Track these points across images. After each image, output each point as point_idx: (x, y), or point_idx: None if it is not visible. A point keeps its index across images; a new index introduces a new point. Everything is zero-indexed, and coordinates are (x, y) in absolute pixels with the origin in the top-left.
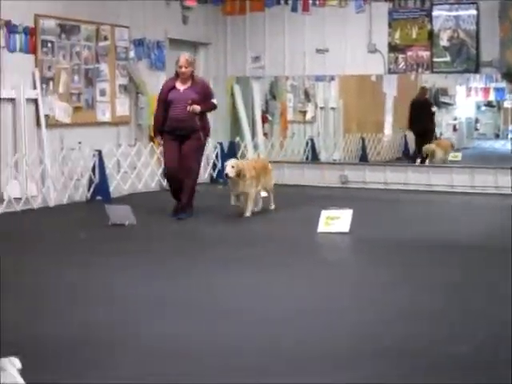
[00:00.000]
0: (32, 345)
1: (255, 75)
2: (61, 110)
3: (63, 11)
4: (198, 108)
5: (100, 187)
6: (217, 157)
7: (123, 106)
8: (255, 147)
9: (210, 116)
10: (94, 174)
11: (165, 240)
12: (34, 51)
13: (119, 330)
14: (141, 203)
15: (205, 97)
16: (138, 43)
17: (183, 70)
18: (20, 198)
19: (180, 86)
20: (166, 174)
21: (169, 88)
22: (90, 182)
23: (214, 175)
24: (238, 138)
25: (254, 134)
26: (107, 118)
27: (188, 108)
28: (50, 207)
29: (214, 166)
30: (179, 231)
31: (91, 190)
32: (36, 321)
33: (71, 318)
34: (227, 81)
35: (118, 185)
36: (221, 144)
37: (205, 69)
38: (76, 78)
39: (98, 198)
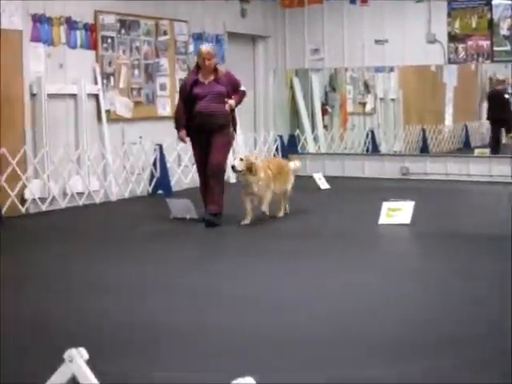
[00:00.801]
0: (98, 336)
1: (314, 67)
2: (122, 105)
3: (122, 7)
4: (234, 103)
5: (161, 181)
6: (277, 150)
7: None
8: (315, 140)
9: (269, 108)
10: (155, 168)
11: (226, 234)
12: (94, 47)
13: (184, 319)
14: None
15: (233, 87)
16: (197, 37)
17: (207, 62)
18: (82, 193)
19: (204, 80)
20: (199, 175)
21: (192, 82)
22: (152, 176)
23: None
24: (297, 131)
25: (313, 127)
26: (167, 112)
27: (227, 105)
28: (112, 201)
29: None
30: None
31: (152, 184)
32: (102, 312)
33: (138, 309)
34: (286, 73)
35: (179, 179)
36: (281, 137)
37: (264, 62)
38: (136, 72)
39: (160, 192)
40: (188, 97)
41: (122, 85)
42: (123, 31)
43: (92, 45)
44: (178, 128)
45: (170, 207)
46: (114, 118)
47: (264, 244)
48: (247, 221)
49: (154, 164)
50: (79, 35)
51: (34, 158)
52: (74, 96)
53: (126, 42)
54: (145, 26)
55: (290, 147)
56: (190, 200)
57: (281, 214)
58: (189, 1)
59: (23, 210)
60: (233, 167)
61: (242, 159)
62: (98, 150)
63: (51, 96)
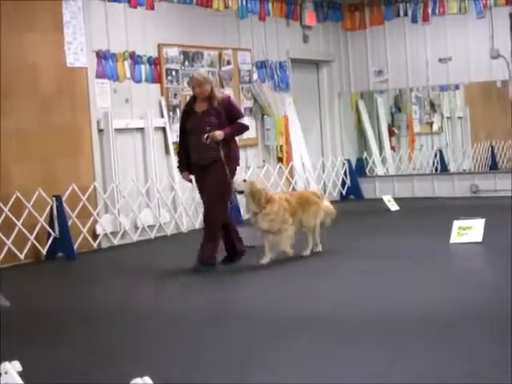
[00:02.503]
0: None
1: (379, 89)
2: None
3: (185, 39)
4: (219, 136)
5: (231, 209)
6: (345, 174)
7: (250, 129)
8: (383, 162)
9: (336, 133)
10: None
11: (299, 260)
12: (159, 80)
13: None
14: None
15: (228, 118)
16: (261, 65)
17: (197, 90)
18: (153, 225)
19: (198, 108)
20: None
21: (187, 112)
22: None
23: (344, 193)
24: (365, 154)
25: (381, 149)
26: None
27: (204, 137)
28: (183, 233)
29: (344, 183)
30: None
31: None
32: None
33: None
34: (351, 97)
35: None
36: (348, 161)
37: (328, 86)
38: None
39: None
40: (184, 129)
41: None
42: (187, 63)
43: (157, 78)
44: (179, 168)
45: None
46: None
47: (340, 265)
48: (265, 260)
49: None
50: (144, 69)
51: (104, 193)
52: (141, 130)
53: (190, 73)
54: (208, 57)
55: (357, 171)
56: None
57: (307, 252)
58: (251, 29)
59: (95, 245)
60: (233, 186)
61: (245, 180)
62: (166, 182)
63: (118, 131)
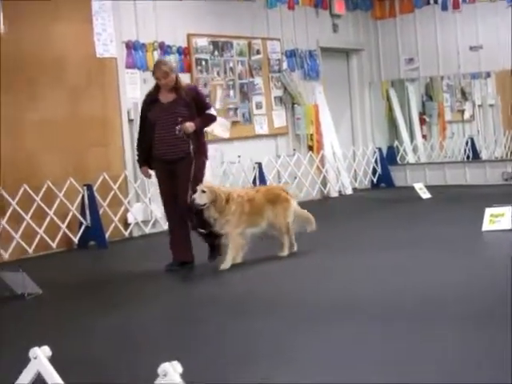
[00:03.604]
0: None
1: (410, 77)
2: (219, 126)
3: (215, 29)
4: (191, 127)
5: None
6: (376, 162)
7: (280, 118)
8: (414, 150)
9: (367, 121)
10: (254, 185)
11: (328, 244)
12: (188, 70)
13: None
14: None
15: (197, 108)
16: (290, 54)
17: (162, 82)
18: None
19: (164, 99)
20: (167, 215)
21: (150, 102)
22: None
23: (375, 181)
24: (396, 142)
25: (412, 137)
26: (265, 130)
27: (177, 129)
28: None
29: (374, 171)
30: (344, 236)
31: None
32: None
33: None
34: (382, 85)
35: (295, 192)
36: (379, 149)
37: (358, 75)
38: (232, 93)
39: None
40: (145, 121)
41: (218, 105)
42: (216, 53)
43: (186, 68)
44: (139, 162)
45: None
46: (211, 139)
47: (373, 255)
48: (225, 265)
49: (254, 182)
50: (173, 59)
51: (135, 182)
52: None
53: (220, 63)
54: (238, 47)
55: (389, 159)
56: None
57: (284, 252)
58: (280, 19)
59: (126, 233)
60: (192, 201)
61: (204, 191)
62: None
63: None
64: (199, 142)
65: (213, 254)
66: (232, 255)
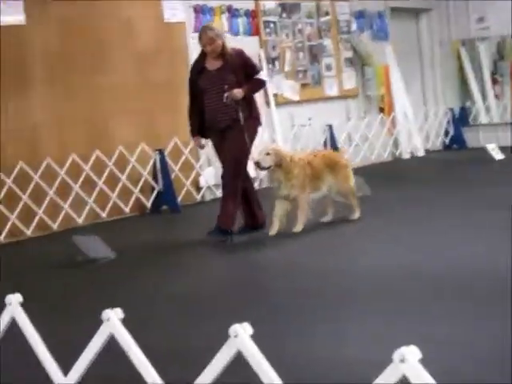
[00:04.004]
0: None
1: (481, 36)
2: (288, 88)
3: None
4: (239, 93)
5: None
6: (448, 123)
7: (350, 79)
8: (487, 110)
9: (438, 82)
10: (325, 148)
11: (396, 207)
12: (257, 33)
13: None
14: (374, 174)
15: (246, 74)
16: (359, 15)
17: (208, 48)
18: (255, 178)
19: (211, 66)
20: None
21: (197, 71)
22: None
23: (447, 142)
24: (468, 103)
25: (484, 97)
26: (335, 92)
27: (225, 96)
28: None
29: (447, 132)
30: (412, 198)
31: None
32: None
33: None
34: (452, 44)
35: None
36: (451, 110)
37: (428, 35)
38: (301, 55)
39: None
40: (195, 90)
41: (287, 68)
42: (284, 15)
43: (254, 31)
44: (191, 132)
45: None
46: (281, 102)
47: (442, 216)
48: (273, 231)
49: (325, 144)
50: (241, 22)
51: (206, 147)
52: None
53: (289, 25)
54: (306, 8)
55: (461, 120)
56: (363, 177)
57: (356, 215)
58: None
59: (198, 197)
60: (257, 164)
61: (268, 153)
62: (267, 134)
63: None
64: (250, 107)
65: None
66: (303, 218)
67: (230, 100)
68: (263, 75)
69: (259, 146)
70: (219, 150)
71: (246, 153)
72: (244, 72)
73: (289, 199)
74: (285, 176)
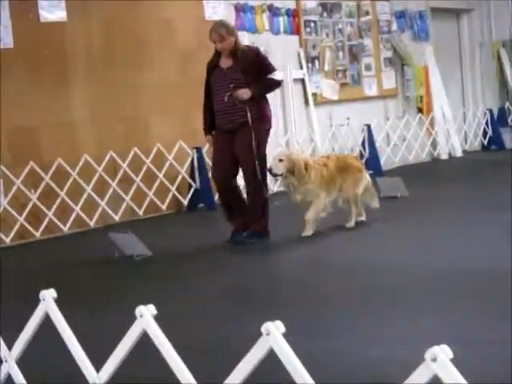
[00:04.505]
0: None
1: None
2: (328, 88)
3: None
4: (245, 94)
5: (371, 161)
6: (487, 124)
7: (389, 79)
8: None
9: (477, 82)
10: (363, 148)
11: (432, 208)
12: (297, 32)
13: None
14: (412, 175)
15: (257, 73)
16: (400, 15)
17: (218, 46)
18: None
19: (224, 64)
20: (216, 185)
21: (212, 68)
22: (361, 156)
23: (485, 143)
24: (507, 104)
25: None
26: (374, 92)
27: (226, 95)
28: None
29: (485, 133)
30: (445, 197)
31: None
32: None
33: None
34: (493, 46)
35: (389, 158)
36: (490, 110)
37: (469, 36)
38: (340, 54)
39: (370, 171)
40: (209, 87)
41: (327, 67)
42: (325, 14)
43: (295, 30)
44: (204, 130)
45: (380, 186)
46: (320, 101)
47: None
48: (309, 232)
49: (363, 144)
50: (282, 21)
51: None
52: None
53: (329, 24)
54: (346, 8)
55: (500, 121)
56: (400, 178)
57: (351, 223)
58: None
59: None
60: (269, 171)
61: (281, 160)
62: (306, 133)
63: None
64: (260, 109)
65: (257, 234)
66: (313, 222)
67: (235, 100)
68: (278, 75)
69: (275, 151)
70: (217, 150)
71: (252, 155)
72: (257, 71)
73: (305, 203)
74: (299, 181)
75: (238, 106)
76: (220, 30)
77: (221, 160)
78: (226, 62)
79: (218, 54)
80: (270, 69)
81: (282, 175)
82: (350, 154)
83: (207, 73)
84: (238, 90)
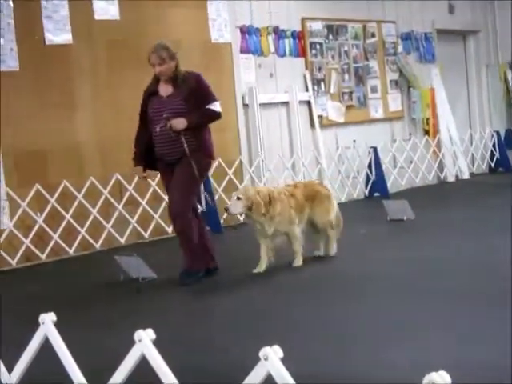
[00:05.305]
0: None
1: None
2: (334, 110)
3: (329, 12)
4: (181, 124)
5: (377, 183)
6: (494, 146)
7: (395, 102)
8: None
9: (484, 104)
10: (370, 170)
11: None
12: (303, 54)
13: None
14: (418, 197)
15: (197, 102)
16: (406, 37)
17: (157, 69)
18: None
19: (163, 91)
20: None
21: (149, 95)
22: (367, 178)
23: (493, 165)
24: None
25: None
26: (380, 114)
27: (158, 127)
28: None
29: (492, 155)
30: (452, 220)
31: (369, 186)
32: None
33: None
34: (500, 67)
35: (395, 180)
36: (497, 132)
37: (475, 57)
38: (346, 76)
39: (376, 194)
40: (145, 115)
41: (332, 90)
42: (331, 36)
43: (301, 52)
44: (134, 161)
45: (387, 209)
46: (326, 124)
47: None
48: (260, 268)
49: (369, 167)
50: (287, 43)
51: (250, 167)
52: (285, 104)
53: (335, 46)
54: (352, 30)
55: (507, 143)
56: (407, 201)
57: (333, 251)
58: (395, 1)
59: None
60: (226, 210)
61: (239, 198)
62: (312, 155)
63: (263, 105)
64: (199, 140)
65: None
66: (299, 251)
67: (169, 131)
68: (217, 106)
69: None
70: (167, 184)
71: (192, 190)
72: (197, 100)
73: (277, 236)
74: (264, 216)
75: (174, 138)
76: (161, 52)
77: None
78: (165, 90)
79: (156, 80)
80: (210, 98)
81: (240, 214)
82: (318, 181)
83: (144, 100)
84: (172, 120)
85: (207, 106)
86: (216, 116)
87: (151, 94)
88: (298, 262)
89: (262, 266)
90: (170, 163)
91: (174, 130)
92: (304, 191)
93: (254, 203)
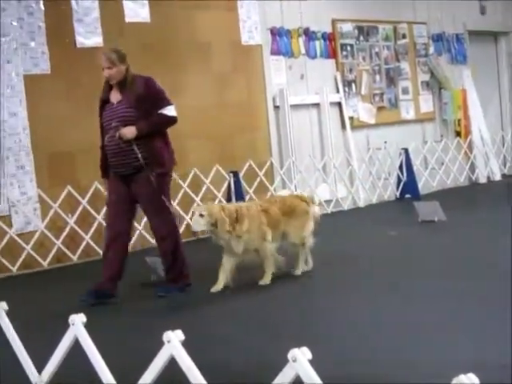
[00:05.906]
0: None
1: None
2: (365, 111)
3: (360, 13)
4: (130, 133)
5: (408, 185)
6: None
7: (427, 103)
8: None
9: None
10: (401, 172)
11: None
12: (333, 56)
13: None
14: (450, 199)
15: (148, 107)
16: (437, 38)
17: (106, 73)
18: (330, 200)
19: (114, 98)
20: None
21: (103, 102)
22: (398, 180)
23: None
24: None
25: None
26: (411, 115)
27: (107, 137)
28: (360, 207)
29: None
30: (484, 221)
31: (400, 188)
32: None
33: None
34: None
35: (427, 181)
36: None
37: (507, 58)
38: (377, 78)
39: (407, 196)
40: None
41: (363, 91)
42: (362, 38)
43: (331, 53)
44: (101, 174)
45: (418, 211)
46: (357, 125)
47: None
48: (216, 288)
49: (401, 168)
50: (318, 45)
51: (281, 169)
52: (316, 105)
53: (365, 48)
54: (383, 31)
55: None
56: (438, 202)
57: (298, 271)
58: (427, 1)
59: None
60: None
61: (202, 215)
62: (343, 157)
63: (294, 107)
64: (153, 150)
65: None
66: (270, 269)
67: (119, 141)
68: (172, 110)
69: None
70: (112, 197)
71: (164, 207)
72: (148, 105)
73: (247, 253)
74: (230, 234)
75: (126, 148)
76: (110, 54)
77: (116, 208)
78: (115, 97)
79: (109, 87)
80: (163, 103)
81: (202, 232)
82: (298, 194)
83: (99, 108)
84: (121, 129)
85: (159, 111)
86: (171, 121)
87: (104, 101)
88: (266, 279)
89: (220, 285)
90: (124, 176)
91: (123, 140)
92: (281, 207)
93: (218, 221)
